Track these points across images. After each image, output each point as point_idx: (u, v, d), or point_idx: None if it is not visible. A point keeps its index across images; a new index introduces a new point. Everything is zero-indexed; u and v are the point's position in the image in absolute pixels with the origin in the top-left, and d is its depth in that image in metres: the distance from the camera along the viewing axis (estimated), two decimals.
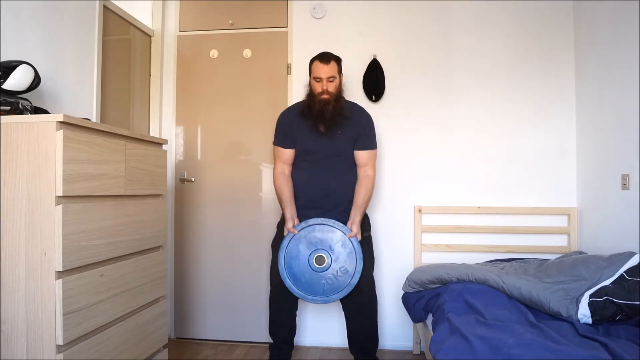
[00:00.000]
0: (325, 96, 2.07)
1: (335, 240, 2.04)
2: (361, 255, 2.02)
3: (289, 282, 2.03)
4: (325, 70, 2.07)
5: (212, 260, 2.78)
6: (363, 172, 2.15)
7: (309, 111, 2.11)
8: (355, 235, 2.04)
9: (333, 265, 2.02)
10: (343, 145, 2.13)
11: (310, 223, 2.05)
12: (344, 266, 2.02)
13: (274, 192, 2.72)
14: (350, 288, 2.01)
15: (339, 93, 2.12)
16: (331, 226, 2.04)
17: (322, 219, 2.05)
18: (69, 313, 1.32)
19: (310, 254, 2.03)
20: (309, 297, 2.03)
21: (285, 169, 2.18)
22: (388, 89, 2.65)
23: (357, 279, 2.01)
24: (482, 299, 1.77)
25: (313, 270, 2.02)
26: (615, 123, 2.13)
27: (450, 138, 2.62)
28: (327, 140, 2.12)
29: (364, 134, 2.16)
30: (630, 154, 2.01)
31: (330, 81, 2.08)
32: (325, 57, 2.10)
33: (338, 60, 2.14)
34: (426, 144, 2.64)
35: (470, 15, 2.62)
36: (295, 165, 2.20)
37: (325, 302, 2.03)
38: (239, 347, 2.67)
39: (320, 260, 2.03)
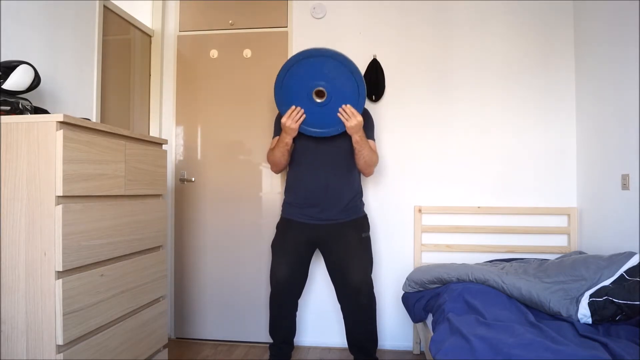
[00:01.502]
0: None
1: (337, 75, 1.95)
2: (364, 95, 1.95)
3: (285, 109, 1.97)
4: None
5: (212, 260, 2.78)
6: None
7: None
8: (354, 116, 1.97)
9: (334, 99, 1.95)
10: (342, 142, 2.13)
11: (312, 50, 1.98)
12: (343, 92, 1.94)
13: (274, 191, 2.74)
14: (360, 109, 1.93)
15: None
16: (334, 58, 1.95)
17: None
18: (69, 313, 1.32)
19: (311, 90, 1.96)
20: (307, 129, 1.98)
21: None
22: (388, 89, 2.65)
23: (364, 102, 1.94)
24: (482, 299, 1.77)
25: (312, 104, 1.96)
26: (615, 123, 2.14)
27: (450, 138, 2.62)
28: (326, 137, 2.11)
29: (364, 126, 2.15)
30: (630, 154, 2.01)
31: None
32: None
33: None
34: (426, 144, 2.64)
35: (470, 16, 2.62)
36: (294, 161, 2.19)
37: (338, 131, 1.98)
38: (239, 347, 2.67)
39: (320, 94, 1.96)
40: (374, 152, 2.13)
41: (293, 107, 1.99)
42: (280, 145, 2.08)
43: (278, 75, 1.99)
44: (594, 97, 2.34)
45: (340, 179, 2.13)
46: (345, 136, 2.13)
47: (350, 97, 1.95)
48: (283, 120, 1.99)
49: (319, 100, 1.97)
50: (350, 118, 1.95)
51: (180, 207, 2.82)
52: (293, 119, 1.98)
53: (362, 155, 2.07)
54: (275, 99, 2.04)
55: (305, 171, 2.14)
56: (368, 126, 2.18)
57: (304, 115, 1.99)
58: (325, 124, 2.02)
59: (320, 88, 1.96)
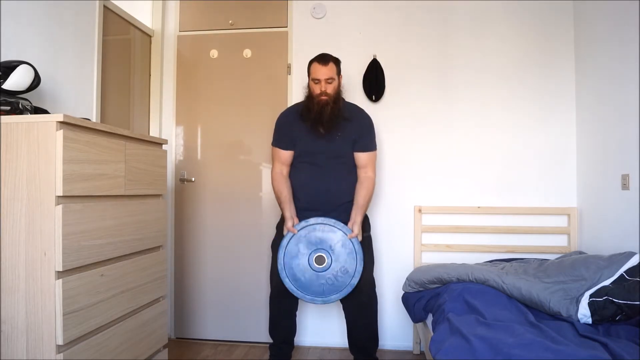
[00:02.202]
0: (323, 97, 2.06)
1: (335, 240, 2.03)
2: (362, 256, 2.01)
3: (288, 282, 2.02)
4: (323, 71, 2.06)
5: (212, 260, 2.78)
6: (363, 174, 2.15)
7: (308, 113, 2.10)
8: (356, 236, 2.03)
9: (333, 265, 2.01)
10: (343, 147, 2.13)
11: (311, 222, 2.04)
12: (344, 266, 2.01)
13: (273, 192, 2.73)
14: (350, 289, 2.00)
15: (337, 94, 2.12)
16: (332, 226, 2.04)
17: (323, 218, 2.05)
18: (69, 313, 1.32)
19: (310, 253, 2.03)
20: (308, 297, 2.02)
21: (283, 170, 2.17)
22: (388, 89, 2.65)
23: (357, 280, 2.00)
24: (482, 299, 1.77)
25: (313, 270, 2.02)
26: (616, 123, 2.14)
27: (451, 138, 2.62)
28: (326, 142, 2.11)
29: (363, 135, 2.15)
30: (630, 154, 2.01)
31: (329, 83, 2.07)
32: (323, 59, 2.09)
33: (337, 62, 2.13)
34: (426, 144, 2.64)
35: (470, 16, 2.62)
36: (295, 166, 2.19)
37: (325, 302, 2.02)
38: (239, 347, 2.67)
39: (320, 260, 2.02)
40: (371, 184, 2.15)
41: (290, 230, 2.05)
42: (279, 201, 2.15)
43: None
44: (594, 97, 2.34)
45: (341, 183, 2.13)
46: (345, 141, 2.12)
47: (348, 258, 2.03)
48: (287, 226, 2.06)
49: (319, 267, 2.03)
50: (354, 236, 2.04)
51: (180, 207, 2.82)
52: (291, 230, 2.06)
53: (366, 209, 2.16)
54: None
55: (306, 176, 2.14)
56: (369, 136, 2.18)
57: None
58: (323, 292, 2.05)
59: (322, 254, 2.03)
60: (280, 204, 2.14)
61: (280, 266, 2.03)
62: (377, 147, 2.25)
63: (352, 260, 2.01)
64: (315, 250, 2.03)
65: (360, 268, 2.00)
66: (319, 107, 2.06)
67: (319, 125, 2.09)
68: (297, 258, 2.03)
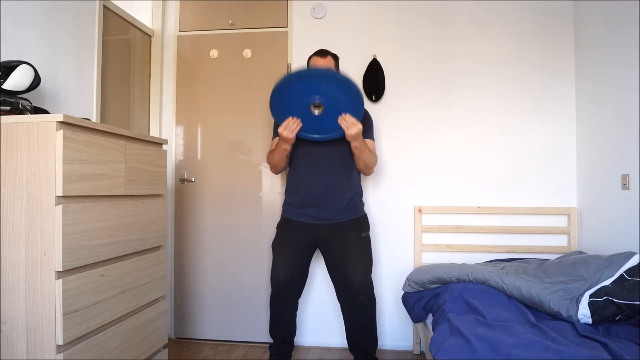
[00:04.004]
0: None
1: (336, 86, 1.92)
2: (362, 104, 1.94)
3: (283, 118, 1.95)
4: (322, 63, 2.10)
5: (212, 260, 2.78)
6: None
7: None
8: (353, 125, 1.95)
9: (331, 112, 1.93)
10: (342, 142, 2.13)
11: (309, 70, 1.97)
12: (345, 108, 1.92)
13: (274, 191, 2.74)
14: (360, 116, 1.93)
15: None
16: (331, 76, 1.93)
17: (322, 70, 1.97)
18: (69, 313, 1.32)
19: (308, 95, 1.92)
20: (305, 135, 1.97)
21: None
22: (388, 89, 2.65)
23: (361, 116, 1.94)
24: (482, 299, 1.77)
25: (310, 112, 1.94)
26: (615, 123, 2.14)
27: (451, 138, 2.62)
28: None
29: (362, 125, 2.15)
30: (630, 154, 2.01)
31: None
32: (322, 52, 2.15)
33: (335, 57, 2.18)
34: (426, 144, 2.64)
35: (470, 15, 2.62)
36: (293, 163, 2.19)
37: (321, 138, 1.99)
38: (239, 347, 2.67)
39: (317, 103, 1.93)
40: (372, 154, 2.14)
41: (290, 117, 1.98)
42: (278, 151, 2.09)
43: (273, 91, 1.94)
44: (594, 97, 2.34)
45: (340, 179, 2.13)
46: (344, 138, 2.13)
47: (348, 108, 1.94)
48: (280, 130, 1.99)
49: (317, 112, 1.96)
50: (350, 126, 1.95)
51: (180, 207, 2.82)
52: (289, 129, 1.98)
53: (361, 158, 2.08)
54: (272, 111, 2.01)
55: (305, 172, 2.14)
56: (367, 126, 2.18)
57: (300, 124, 1.98)
58: (324, 130, 2.02)
59: (317, 102, 1.94)
60: (277, 151, 2.09)
61: (274, 106, 1.95)
62: (377, 147, 2.25)
63: (352, 103, 1.93)
64: (313, 93, 1.92)
65: (362, 109, 1.95)
66: None
67: None
68: (294, 99, 1.93)
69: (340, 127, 1.97)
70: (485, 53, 2.60)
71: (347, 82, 1.90)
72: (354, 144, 2.01)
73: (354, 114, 1.95)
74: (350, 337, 2.17)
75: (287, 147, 2.05)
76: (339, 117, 1.95)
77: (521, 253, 2.49)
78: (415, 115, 2.64)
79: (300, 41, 2.72)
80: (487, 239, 2.56)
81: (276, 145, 2.11)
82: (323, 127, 2.01)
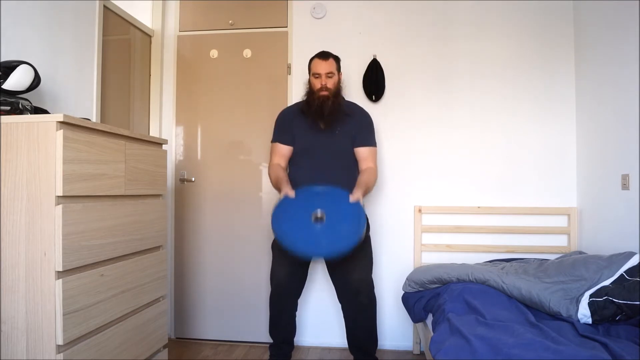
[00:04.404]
0: (324, 92, 2.09)
1: (335, 199, 1.90)
2: (364, 215, 1.89)
3: (286, 239, 1.85)
4: (323, 66, 2.09)
5: (212, 260, 2.78)
6: (365, 165, 2.15)
7: (308, 108, 2.12)
8: (357, 200, 1.92)
9: (334, 220, 1.85)
10: (342, 142, 2.13)
11: (309, 188, 1.96)
12: (345, 220, 1.86)
13: (274, 191, 2.74)
14: (356, 240, 1.81)
15: (337, 90, 2.14)
16: (331, 190, 1.93)
17: (321, 186, 1.95)
18: (69, 313, 1.32)
19: (309, 212, 1.87)
20: (309, 249, 1.84)
21: (281, 162, 2.18)
22: (388, 89, 2.65)
23: (363, 233, 1.85)
24: (482, 299, 1.77)
25: (311, 226, 1.85)
26: (615, 123, 2.13)
27: (451, 138, 2.62)
28: (326, 137, 2.12)
29: (363, 131, 2.16)
30: (630, 154, 2.01)
31: (329, 77, 2.10)
32: (324, 54, 2.14)
33: (337, 59, 2.17)
34: (426, 144, 2.64)
35: (470, 15, 2.62)
36: (294, 162, 2.20)
37: (327, 255, 1.87)
38: (239, 347, 2.67)
39: (318, 217, 1.87)
40: (373, 174, 2.13)
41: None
42: (277, 182, 2.08)
43: (273, 214, 1.92)
44: (594, 97, 2.34)
45: (341, 179, 2.13)
46: (345, 136, 2.13)
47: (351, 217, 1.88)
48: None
49: (319, 225, 1.87)
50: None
51: (180, 207, 2.82)
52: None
53: (367, 192, 2.09)
54: (275, 232, 1.93)
55: (304, 173, 2.14)
56: (369, 131, 2.19)
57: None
58: (328, 244, 1.87)
59: (319, 214, 1.87)
60: (278, 185, 2.07)
61: (276, 223, 1.86)
62: (378, 147, 2.25)
63: (355, 215, 1.87)
64: (314, 209, 1.87)
65: (364, 222, 1.86)
66: (320, 101, 2.08)
67: (319, 120, 2.10)
68: (295, 216, 1.87)
69: (339, 244, 1.85)
70: (485, 53, 2.60)
71: (345, 195, 1.90)
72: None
73: (356, 227, 1.87)
74: (351, 337, 2.17)
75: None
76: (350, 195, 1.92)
77: (521, 253, 2.49)
78: (415, 115, 2.64)
79: (300, 41, 2.72)
80: (487, 239, 2.56)
81: (275, 181, 2.10)
82: (324, 240, 1.88)
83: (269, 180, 2.71)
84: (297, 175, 2.17)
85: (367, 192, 2.08)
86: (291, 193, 1.95)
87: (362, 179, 2.08)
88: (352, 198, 1.92)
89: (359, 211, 1.89)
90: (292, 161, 2.20)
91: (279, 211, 1.91)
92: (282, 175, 2.09)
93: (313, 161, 2.14)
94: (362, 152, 2.16)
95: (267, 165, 2.72)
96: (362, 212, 1.90)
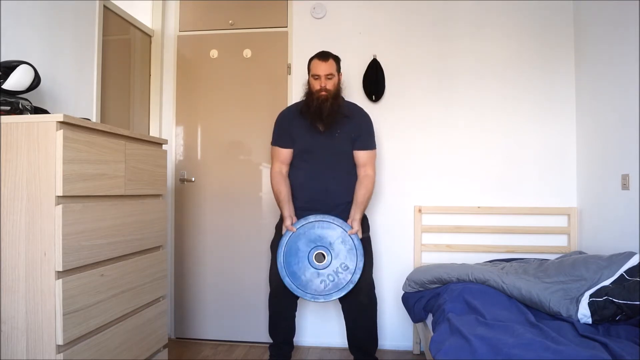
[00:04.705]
0: (323, 93, 2.08)
1: (335, 237, 2.02)
2: (362, 252, 2.00)
3: (288, 281, 2.01)
4: (323, 67, 2.08)
5: (212, 260, 2.78)
6: (363, 172, 2.15)
7: (307, 109, 2.11)
8: (356, 233, 2.03)
9: (333, 262, 2.00)
10: (342, 145, 2.13)
11: (310, 220, 2.04)
12: (344, 263, 2.00)
13: (271, 187, 2.73)
14: (352, 285, 1.99)
15: (337, 91, 2.13)
16: (330, 222, 2.03)
17: (322, 215, 2.04)
18: (69, 313, 1.32)
19: (310, 251, 2.01)
20: (308, 295, 2.00)
21: (282, 169, 2.18)
22: (388, 89, 2.65)
23: (359, 276, 1.99)
24: (482, 299, 1.77)
25: (313, 267, 2.01)
26: (615, 123, 2.13)
27: (451, 138, 2.62)
28: (326, 139, 2.12)
29: (363, 133, 2.16)
30: (630, 154, 2.01)
31: (329, 79, 2.09)
32: (323, 55, 2.12)
33: (337, 59, 2.15)
34: (426, 144, 2.64)
35: (470, 15, 2.62)
36: (294, 165, 2.19)
37: (326, 300, 2.00)
38: (239, 347, 2.67)
39: (320, 257, 2.01)
40: (371, 182, 2.15)
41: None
42: (278, 200, 2.14)
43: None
44: (594, 97, 2.34)
45: (340, 182, 2.13)
46: (345, 138, 2.13)
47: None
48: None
49: (319, 264, 2.02)
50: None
51: (180, 207, 2.82)
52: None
53: (366, 207, 2.15)
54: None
55: (305, 175, 2.14)
56: (368, 134, 2.18)
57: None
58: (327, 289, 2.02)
59: (321, 251, 2.03)
60: (279, 203, 2.14)
61: (280, 265, 2.01)
62: (377, 147, 2.25)
63: (353, 257, 2.00)
64: (314, 247, 2.02)
65: (360, 265, 1.99)
66: (319, 102, 2.08)
67: (318, 121, 2.10)
68: (297, 256, 2.02)
69: (336, 292, 2.01)
70: (486, 53, 2.60)
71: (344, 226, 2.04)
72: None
73: (353, 272, 2.01)
74: (351, 337, 2.17)
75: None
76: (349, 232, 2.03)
77: (521, 253, 2.49)
78: (415, 115, 2.64)
79: (300, 41, 2.72)
80: (487, 239, 2.56)
81: (276, 198, 2.15)
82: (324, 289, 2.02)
83: (269, 181, 2.73)
84: (297, 177, 2.17)
85: (365, 208, 2.13)
86: (292, 228, 2.04)
87: (360, 196, 2.10)
88: (352, 231, 2.03)
89: (357, 256, 2.01)
90: (291, 164, 2.20)
91: (283, 252, 2.04)
92: (284, 195, 2.12)
93: (312, 163, 2.14)
94: (361, 156, 2.16)
95: (267, 165, 2.73)
96: (361, 248, 2.02)
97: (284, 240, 2.04)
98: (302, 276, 2.01)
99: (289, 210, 2.08)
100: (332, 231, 2.02)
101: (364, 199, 2.10)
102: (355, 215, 2.06)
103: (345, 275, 1.99)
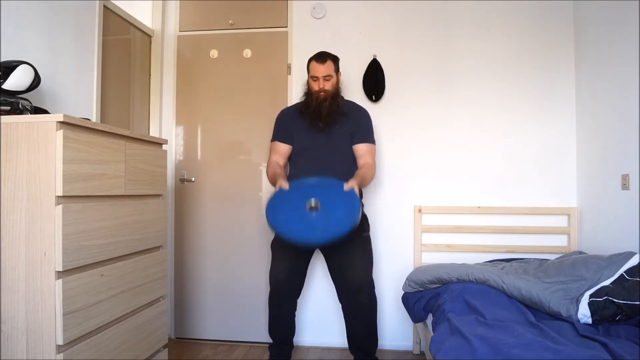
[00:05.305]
0: (322, 94, 2.10)
1: (330, 188, 1.91)
2: (359, 201, 1.89)
3: (281, 228, 1.86)
4: (321, 69, 2.10)
5: (212, 260, 2.78)
6: (362, 161, 2.15)
7: (306, 108, 2.13)
8: (351, 188, 1.91)
9: (328, 209, 1.86)
10: (341, 141, 2.14)
11: (303, 179, 1.98)
12: (339, 209, 1.86)
13: (272, 188, 2.74)
14: (351, 224, 1.81)
15: (336, 91, 2.15)
16: (325, 180, 1.95)
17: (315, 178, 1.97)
18: (69, 313, 1.32)
19: (303, 202, 1.88)
20: (305, 235, 1.84)
21: (280, 160, 2.19)
22: (388, 89, 2.65)
23: (358, 217, 1.84)
24: (482, 299, 1.77)
25: (306, 215, 1.86)
26: (615, 123, 2.13)
27: (451, 138, 2.62)
28: (324, 136, 2.13)
29: (361, 128, 2.17)
30: (630, 154, 2.01)
31: (327, 80, 2.11)
32: (321, 57, 2.13)
33: (335, 59, 2.17)
34: (426, 144, 2.64)
35: (470, 15, 2.62)
36: (293, 162, 2.21)
37: (321, 240, 1.87)
38: (239, 347, 2.67)
39: (312, 206, 1.88)
40: (371, 169, 2.13)
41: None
42: (274, 178, 2.09)
43: (267, 206, 1.92)
44: (594, 97, 2.34)
45: (340, 179, 2.13)
46: (343, 134, 2.13)
47: (344, 207, 1.88)
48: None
49: (314, 214, 1.88)
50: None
51: (180, 207, 2.82)
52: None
53: (364, 184, 2.07)
54: (269, 222, 1.92)
55: (304, 171, 2.15)
56: (367, 129, 2.19)
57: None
58: (321, 229, 1.87)
59: (313, 204, 1.88)
60: (274, 180, 2.09)
61: (270, 214, 1.87)
62: (377, 147, 2.26)
63: (349, 202, 1.87)
64: (308, 199, 1.89)
65: (359, 207, 1.86)
66: (318, 102, 2.10)
67: (317, 120, 2.11)
68: (290, 206, 1.88)
69: (335, 229, 1.85)
70: (486, 53, 2.60)
71: (339, 185, 1.90)
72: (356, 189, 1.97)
73: (350, 212, 1.86)
74: (351, 336, 2.17)
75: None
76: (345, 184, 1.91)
77: (521, 253, 2.49)
78: (415, 115, 2.64)
79: (300, 41, 2.72)
80: (487, 239, 2.56)
81: (272, 176, 2.11)
82: (320, 225, 1.88)
83: (268, 179, 2.74)
84: (296, 175, 2.17)
85: (363, 184, 2.06)
86: (285, 185, 1.96)
87: (359, 171, 2.09)
88: (347, 186, 1.91)
89: (353, 197, 1.88)
90: (291, 162, 2.21)
91: (274, 202, 1.92)
92: (279, 172, 2.11)
93: (312, 161, 2.14)
94: (360, 148, 2.17)
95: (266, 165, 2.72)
96: (357, 199, 1.89)
97: (276, 194, 1.93)
98: (295, 223, 1.85)
99: (283, 178, 2.03)
100: (327, 186, 1.92)
101: (363, 174, 2.06)
102: (351, 180, 1.96)
103: (342, 217, 1.84)
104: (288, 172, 2.25)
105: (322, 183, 1.96)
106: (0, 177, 1.32)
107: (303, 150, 2.16)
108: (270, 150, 2.24)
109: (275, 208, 1.90)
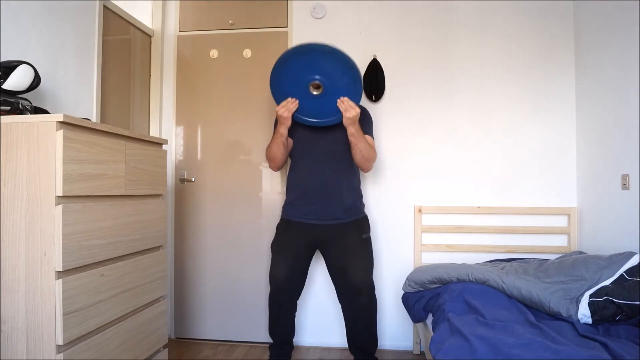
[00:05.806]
0: None
1: (334, 68, 1.94)
2: (361, 84, 1.94)
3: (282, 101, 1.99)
4: None
5: (212, 260, 2.78)
6: None
7: None
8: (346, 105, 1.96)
9: (333, 89, 1.95)
10: (341, 139, 2.13)
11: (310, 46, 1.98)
12: (343, 92, 1.95)
13: (274, 191, 2.74)
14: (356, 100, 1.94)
15: None
16: (330, 53, 1.95)
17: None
18: (69, 313, 1.32)
19: (307, 76, 1.96)
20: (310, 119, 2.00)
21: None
22: (388, 89, 2.65)
23: (359, 98, 1.95)
24: (482, 299, 1.77)
25: (309, 95, 1.98)
26: (615, 123, 2.14)
27: (451, 138, 2.62)
28: (325, 133, 2.12)
29: (361, 121, 2.15)
30: (630, 154, 2.01)
31: None
32: None
33: None
34: (426, 144, 2.64)
35: (470, 16, 2.62)
36: (294, 161, 2.20)
37: (324, 118, 2.02)
38: (239, 347, 2.67)
39: (316, 86, 1.97)
40: (371, 147, 2.12)
41: (289, 98, 2.01)
42: (276, 137, 2.09)
43: (274, 67, 1.99)
44: (594, 97, 2.34)
45: (340, 177, 2.13)
46: (343, 133, 2.13)
47: (347, 91, 1.96)
48: (277, 109, 2.01)
49: (315, 93, 1.99)
50: (349, 109, 1.95)
51: (180, 207, 2.82)
52: (287, 108, 2.00)
53: (358, 148, 2.05)
54: (272, 90, 2.04)
55: (304, 170, 2.15)
56: (366, 122, 2.18)
57: (297, 105, 2.00)
58: (321, 114, 2.04)
59: (317, 82, 1.97)
60: (272, 152, 2.13)
61: (276, 88, 2.00)
62: (377, 147, 2.25)
63: (351, 87, 1.94)
64: (312, 77, 1.96)
65: (360, 89, 1.94)
66: None
67: None
68: (294, 79, 1.97)
69: (338, 113, 1.99)
70: (486, 53, 2.60)
71: (347, 62, 1.90)
72: (350, 130, 2.00)
73: (352, 98, 1.96)
74: (351, 337, 2.17)
75: (284, 131, 2.05)
76: (338, 99, 1.96)
77: (521, 253, 2.49)
78: (415, 115, 2.64)
79: (300, 41, 2.70)
80: (487, 239, 2.56)
81: (274, 132, 2.12)
82: (321, 111, 2.03)
83: (269, 181, 2.74)
84: (296, 172, 2.17)
85: (361, 143, 2.04)
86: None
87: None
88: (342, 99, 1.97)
89: (356, 81, 1.92)
90: (291, 156, 2.21)
91: (279, 70, 1.97)
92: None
93: (312, 158, 2.14)
94: None
95: (267, 165, 2.72)
96: (359, 83, 1.93)
97: (282, 59, 1.97)
98: (300, 102, 1.99)
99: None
100: (331, 63, 1.94)
101: (365, 141, 2.07)
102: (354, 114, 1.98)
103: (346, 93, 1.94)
104: (288, 169, 2.25)
105: (329, 53, 1.92)
106: (0, 177, 1.32)
107: (303, 150, 2.16)
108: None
109: (279, 75, 1.97)
